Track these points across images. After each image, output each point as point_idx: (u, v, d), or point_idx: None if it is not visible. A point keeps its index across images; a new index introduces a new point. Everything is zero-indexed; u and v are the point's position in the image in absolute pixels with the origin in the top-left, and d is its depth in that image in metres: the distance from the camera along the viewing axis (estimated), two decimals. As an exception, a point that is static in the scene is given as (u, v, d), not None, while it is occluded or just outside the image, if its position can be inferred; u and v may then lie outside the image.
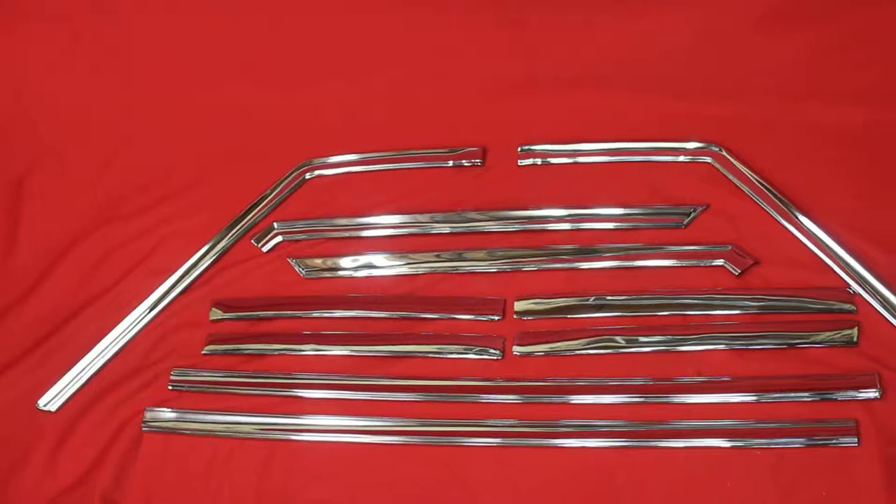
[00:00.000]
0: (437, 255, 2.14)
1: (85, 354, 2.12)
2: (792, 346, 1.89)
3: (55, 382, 2.09)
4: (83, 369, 2.10)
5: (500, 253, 2.12)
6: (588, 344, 1.97)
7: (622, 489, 1.82)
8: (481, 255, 2.12)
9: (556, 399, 1.92)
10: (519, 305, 2.05)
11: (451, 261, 2.13)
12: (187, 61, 2.39)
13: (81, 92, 2.43)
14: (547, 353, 1.98)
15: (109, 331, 2.14)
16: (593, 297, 2.03)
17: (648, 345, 1.95)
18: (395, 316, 2.09)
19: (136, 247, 2.26)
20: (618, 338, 1.96)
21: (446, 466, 1.89)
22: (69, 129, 2.42)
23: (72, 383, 2.09)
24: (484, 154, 2.26)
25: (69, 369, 2.10)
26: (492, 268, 2.11)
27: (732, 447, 1.81)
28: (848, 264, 1.96)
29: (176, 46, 2.39)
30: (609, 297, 2.02)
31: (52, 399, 2.07)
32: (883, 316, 1.90)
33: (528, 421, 1.91)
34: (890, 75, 2.15)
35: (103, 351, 2.12)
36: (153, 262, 2.24)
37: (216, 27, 2.35)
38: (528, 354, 1.99)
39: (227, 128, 2.38)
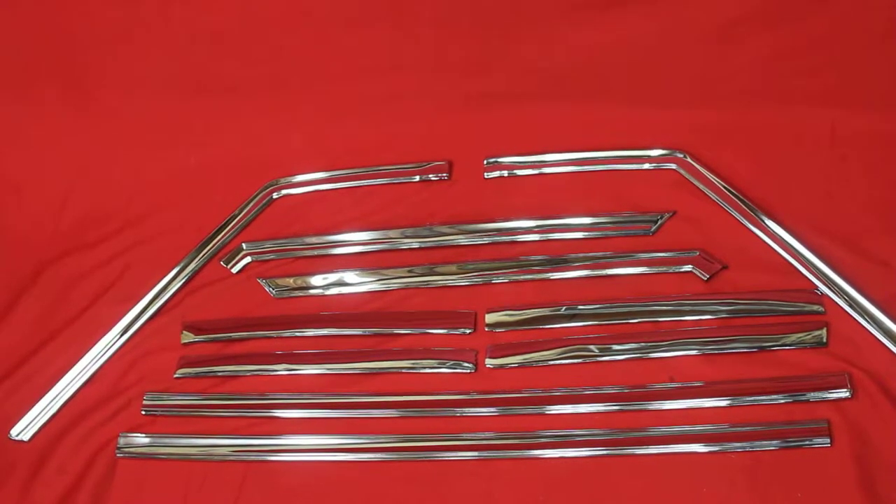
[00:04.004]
0: (410, 270, 2.15)
1: (56, 382, 2.10)
2: (762, 349, 1.91)
3: (27, 412, 2.07)
4: (55, 397, 2.08)
5: (471, 266, 2.13)
6: (561, 354, 1.97)
7: (601, 497, 1.82)
8: (453, 268, 2.13)
9: (532, 410, 1.92)
10: (490, 318, 2.05)
11: (424, 275, 2.13)
12: (146, 86, 2.37)
13: (40, 121, 2.41)
14: (520, 365, 1.98)
15: (80, 358, 2.13)
16: (565, 307, 2.04)
17: (621, 353, 1.95)
18: (367, 332, 2.09)
19: (104, 273, 2.26)
20: (591, 346, 1.97)
21: (425, 482, 1.89)
22: (29, 160, 2.41)
23: (44, 412, 2.07)
24: (450, 168, 2.27)
25: (41, 398, 2.08)
26: (463, 281, 2.11)
27: (707, 452, 1.82)
28: (814, 266, 1.98)
29: (133, 71, 2.37)
30: (580, 307, 2.03)
31: (25, 428, 2.05)
32: (851, 316, 1.92)
33: (505, 433, 1.91)
34: (850, 77, 2.17)
35: (75, 378, 2.11)
36: (121, 288, 2.23)
37: (176, 51, 2.33)
38: (501, 367, 1.99)
39: (190, 150, 2.38)
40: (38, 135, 2.42)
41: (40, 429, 2.06)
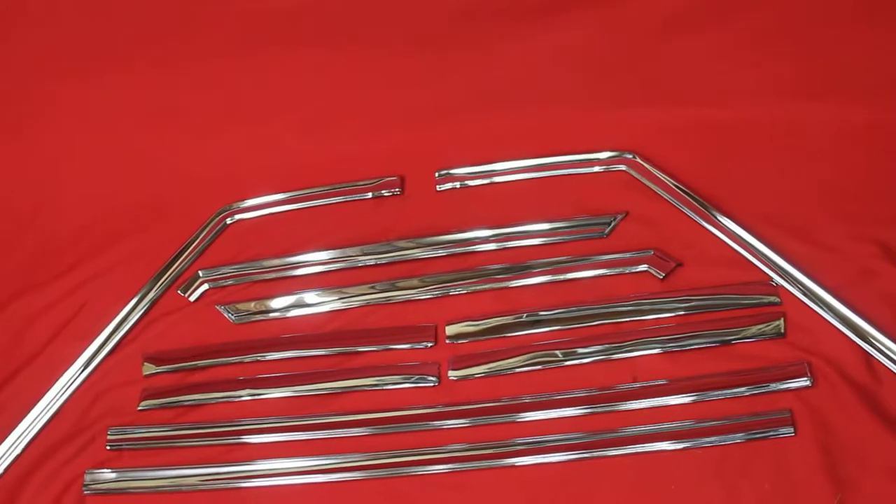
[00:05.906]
0: (371, 287, 2.14)
1: (18, 423, 2.08)
2: (723, 343, 1.92)
3: (-10, 455, 2.05)
4: (18, 438, 2.06)
5: (432, 279, 2.12)
6: (525, 361, 1.98)
7: (574, 501, 1.82)
8: (415, 282, 2.13)
9: (500, 419, 1.92)
10: (450, 329, 2.05)
11: (384, 291, 2.13)
12: (97, 120, 2.37)
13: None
14: (485, 375, 1.98)
15: (41, 396, 2.10)
16: (526, 314, 2.04)
17: (585, 356, 1.96)
18: (329, 353, 2.08)
19: (61, 309, 2.24)
20: (555, 352, 1.97)
21: (399, 498, 1.88)
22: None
23: (8, 453, 2.05)
24: (402, 183, 2.27)
25: (3, 440, 2.06)
26: (425, 294, 2.11)
27: (675, 449, 1.83)
28: (768, 258, 1.99)
29: (79, 103, 2.36)
30: (541, 313, 2.04)
31: (-10, 472, 2.04)
32: (806, 305, 1.93)
33: (476, 443, 1.91)
34: (795, 68, 2.19)
35: (37, 417, 2.08)
36: (79, 322, 2.21)
37: (124, 84, 2.33)
38: (465, 377, 1.99)
39: (141, 182, 2.37)
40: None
41: (5, 470, 2.03)
